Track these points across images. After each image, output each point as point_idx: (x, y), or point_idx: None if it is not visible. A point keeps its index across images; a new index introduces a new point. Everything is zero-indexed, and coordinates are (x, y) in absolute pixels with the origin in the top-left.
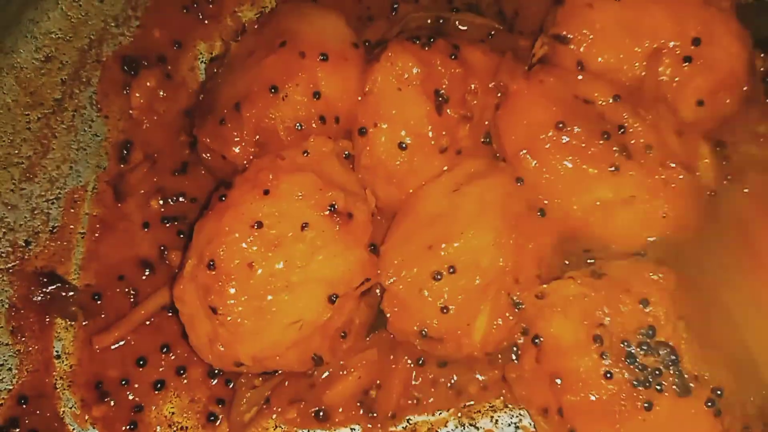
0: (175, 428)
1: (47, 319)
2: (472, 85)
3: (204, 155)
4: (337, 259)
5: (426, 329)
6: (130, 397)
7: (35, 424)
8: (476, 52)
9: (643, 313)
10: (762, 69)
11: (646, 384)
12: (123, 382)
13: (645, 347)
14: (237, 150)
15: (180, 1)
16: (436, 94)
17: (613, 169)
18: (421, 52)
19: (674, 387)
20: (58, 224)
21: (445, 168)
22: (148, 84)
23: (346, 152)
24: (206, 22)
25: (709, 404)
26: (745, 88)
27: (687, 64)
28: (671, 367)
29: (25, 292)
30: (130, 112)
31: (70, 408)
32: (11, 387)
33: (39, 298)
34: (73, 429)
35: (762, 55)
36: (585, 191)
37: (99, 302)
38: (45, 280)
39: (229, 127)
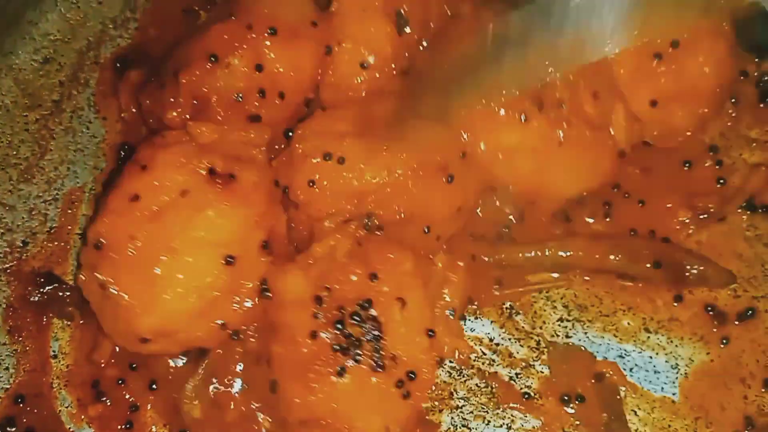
0: (169, 427)
1: (44, 320)
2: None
3: (147, 120)
4: (222, 220)
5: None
6: (126, 397)
7: (32, 423)
8: None
9: (368, 286)
10: (756, 74)
11: (345, 351)
12: (119, 382)
13: (357, 318)
14: (173, 114)
15: (179, 4)
16: (397, 15)
17: (522, 117)
18: None
19: (370, 360)
20: (56, 225)
21: None
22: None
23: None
24: None
25: (399, 385)
26: (704, 111)
27: (658, 61)
28: (373, 342)
29: (22, 292)
30: (122, 115)
31: (67, 407)
32: (8, 386)
33: (36, 298)
34: (70, 428)
35: (756, 60)
36: (493, 133)
37: None
38: (42, 280)
39: (167, 92)
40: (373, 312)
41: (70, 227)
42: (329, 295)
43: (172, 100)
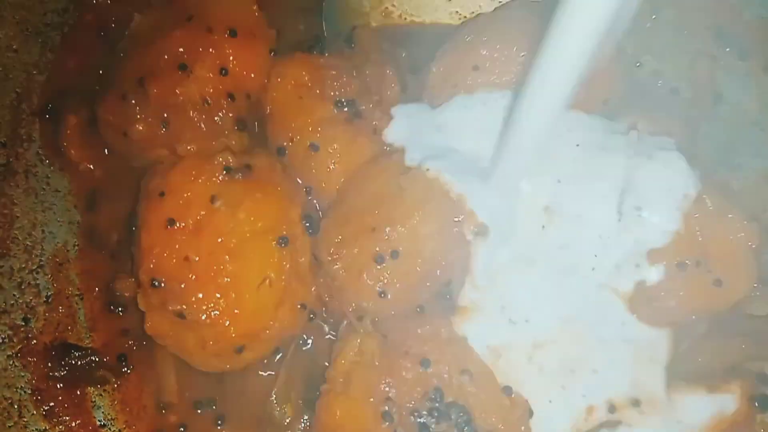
0: None
1: (77, 392)
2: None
3: (105, 132)
4: (260, 207)
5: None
6: None
7: None
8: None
9: (426, 375)
10: None
11: None
12: (181, 429)
13: (436, 413)
14: (140, 127)
15: (93, 27)
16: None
17: None
18: (310, 57)
19: None
20: (52, 292)
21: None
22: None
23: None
24: None
25: None
26: None
27: None
28: (466, 428)
29: (43, 372)
30: (80, 168)
31: None
32: None
33: (61, 373)
34: None
35: None
36: None
37: (123, 358)
38: (59, 353)
39: (133, 104)
40: (449, 398)
41: (68, 290)
42: (393, 404)
43: (138, 111)
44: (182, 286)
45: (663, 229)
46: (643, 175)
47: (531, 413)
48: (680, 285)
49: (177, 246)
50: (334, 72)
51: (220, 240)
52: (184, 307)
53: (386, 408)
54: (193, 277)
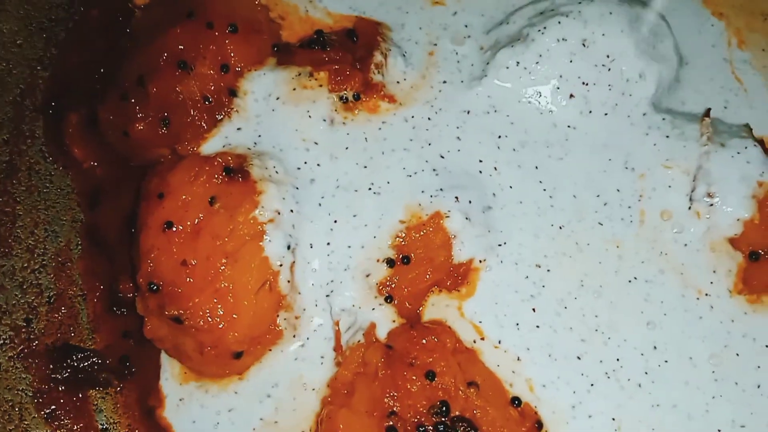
0: None
1: (80, 395)
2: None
3: (106, 131)
4: (260, 210)
5: None
6: None
7: None
8: None
9: (432, 388)
10: None
11: None
12: None
13: (442, 428)
14: (140, 127)
15: (100, 21)
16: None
17: None
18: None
19: None
20: (54, 293)
21: None
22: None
23: None
24: None
25: None
26: None
27: None
28: None
29: (45, 374)
30: (84, 166)
31: None
32: None
33: (63, 375)
34: None
35: None
36: None
37: (126, 361)
38: (61, 354)
39: (132, 103)
40: (455, 411)
41: (70, 291)
42: (398, 419)
43: (138, 110)
44: (179, 290)
45: (736, 218)
46: (715, 162)
47: (540, 425)
48: (752, 275)
49: (174, 249)
50: (336, 67)
51: (218, 243)
52: (181, 312)
53: (390, 423)
54: (191, 281)
